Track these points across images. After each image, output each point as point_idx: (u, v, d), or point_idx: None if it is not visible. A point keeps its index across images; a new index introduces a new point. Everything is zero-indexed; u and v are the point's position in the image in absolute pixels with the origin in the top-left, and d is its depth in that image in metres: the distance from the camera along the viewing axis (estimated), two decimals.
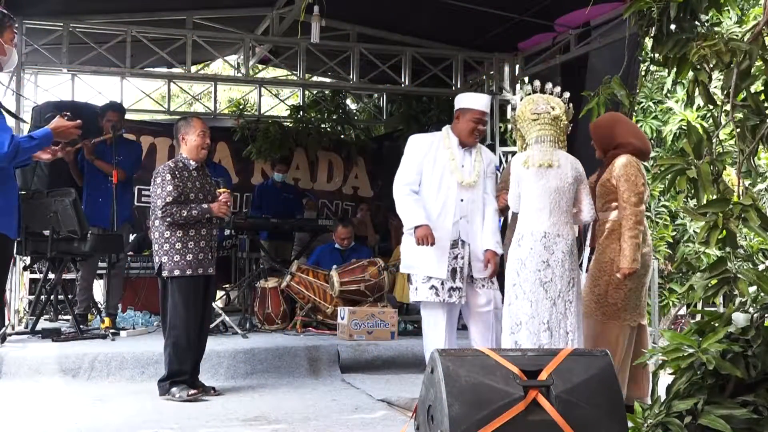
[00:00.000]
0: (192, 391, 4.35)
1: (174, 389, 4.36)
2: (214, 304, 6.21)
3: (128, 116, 7.68)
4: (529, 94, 4.08)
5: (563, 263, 3.83)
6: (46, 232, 5.71)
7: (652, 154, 9.55)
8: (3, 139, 3.33)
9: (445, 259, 4.20)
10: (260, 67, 10.01)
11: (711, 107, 2.98)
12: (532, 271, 3.82)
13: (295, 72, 8.92)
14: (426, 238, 4.09)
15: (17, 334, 5.81)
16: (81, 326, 5.87)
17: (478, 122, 4.34)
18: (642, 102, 9.77)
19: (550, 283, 3.80)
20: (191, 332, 4.41)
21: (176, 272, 4.39)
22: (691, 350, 2.63)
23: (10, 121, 3.65)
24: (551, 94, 4.04)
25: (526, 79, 8.73)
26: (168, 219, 4.38)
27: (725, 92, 2.78)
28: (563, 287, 3.82)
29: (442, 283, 4.19)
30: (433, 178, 4.28)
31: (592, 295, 4.11)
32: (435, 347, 4.17)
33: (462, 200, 4.25)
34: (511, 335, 3.83)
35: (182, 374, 4.41)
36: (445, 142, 4.35)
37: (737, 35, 3.46)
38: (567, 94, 4.09)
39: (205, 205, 4.43)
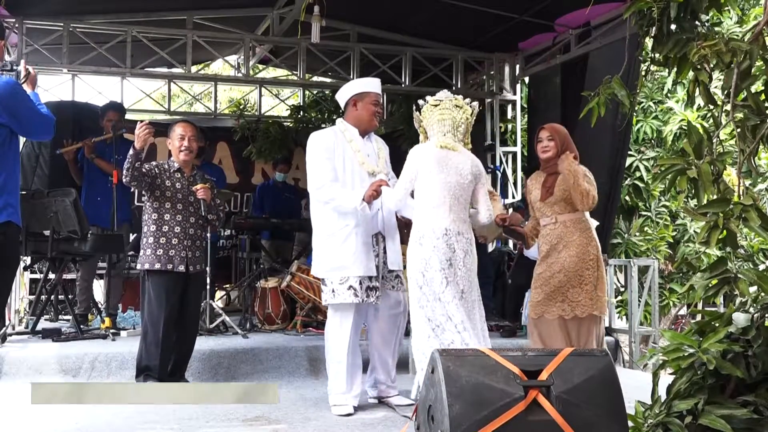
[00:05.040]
0: None
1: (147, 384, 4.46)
2: (214, 304, 6.22)
3: (129, 116, 7.69)
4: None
5: (464, 262, 3.79)
6: (47, 232, 5.71)
7: (653, 154, 9.60)
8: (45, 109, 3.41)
9: (372, 256, 4.12)
10: (260, 67, 10.01)
11: (711, 107, 2.97)
12: (437, 270, 3.74)
13: (295, 72, 8.91)
14: (377, 188, 3.95)
15: (17, 334, 5.81)
16: (81, 326, 5.88)
17: (376, 105, 4.30)
18: (642, 102, 9.80)
19: (453, 282, 3.74)
20: (161, 329, 4.46)
21: (146, 265, 4.51)
22: (691, 350, 2.62)
23: None
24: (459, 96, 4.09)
25: (527, 79, 8.76)
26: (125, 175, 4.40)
27: (725, 92, 2.78)
28: (466, 287, 3.77)
29: (360, 283, 4.08)
30: (345, 174, 4.17)
31: (585, 294, 4.21)
32: (339, 350, 4.13)
33: None
34: (436, 338, 3.71)
35: (150, 370, 4.47)
36: (346, 136, 4.25)
37: (737, 35, 3.47)
38: (476, 104, 4.12)
39: (131, 150, 4.38)
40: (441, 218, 3.80)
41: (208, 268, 5.96)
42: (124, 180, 4.45)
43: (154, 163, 4.67)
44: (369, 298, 4.12)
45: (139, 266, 4.60)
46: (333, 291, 4.12)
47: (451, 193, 3.83)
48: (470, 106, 4.05)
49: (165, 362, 4.54)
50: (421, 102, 4.08)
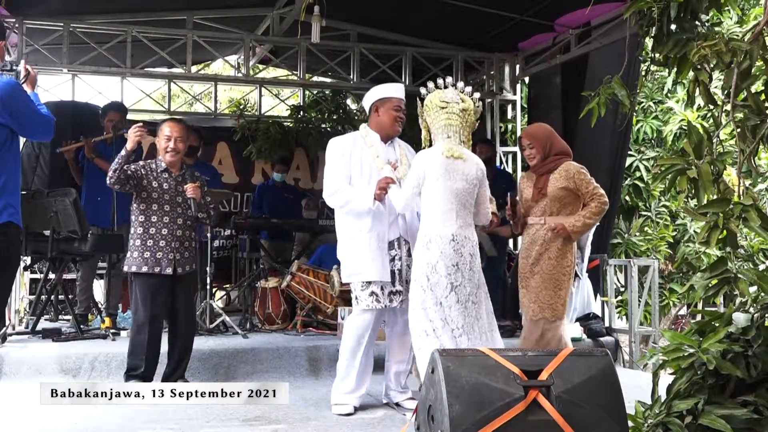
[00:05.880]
0: None
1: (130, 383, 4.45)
2: (214, 304, 6.22)
3: (128, 116, 7.70)
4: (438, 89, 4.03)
5: (470, 265, 3.81)
6: (47, 232, 5.71)
7: (653, 154, 9.60)
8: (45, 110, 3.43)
9: (386, 261, 4.09)
10: (260, 67, 10.00)
11: (711, 107, 2.98)
12: (443, 275, 3.75)
13: (295, 72, 8.92)
14: (384, 185, 3.97)
15: (18, 334, 5.81)
16: (81, 326, 5.87)
17: (398, 110, 4.28)
18: (642, 102, 9.80)
19: (460, 286, 3.76)
20: (145, 332, 4.44)
21: (133, 268, 4.46)
22: (691, 350, 2.63)
23: None
24: (462, 91, 4.04)
25: (527, 79, 8.75)
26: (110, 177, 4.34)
27: (725, 92, 2.78)
28: (472, 289, 3.80)
29: (382, 288, 4.07)
30: (362, 180, 4.15)
31: (557, 298, 4.29)
32: (355, 350, 4.12)
33: None
34: (436, 339, 3.71)
35: (135, 370, 4.46)
36: (367, 141, 4.25)
37: (738, 35, 3.46)
38: (477, 94, 4.10)
39: (122, 152, 4.35)
40: (448, 224, 3.81)
41: (208, 269, 5.97)
42: (108, 182, 4.35)
43: (141, 163, 4.58)
44: (392, 302, 4.09)
45: (126, 268, 4.52)
46: (356, 298, 4.13)
47: (458, 199, 3.84)
48: (472, 99, 4.04)
49: (152, 364, 4.51)
50: (423, 91, 4.02)
